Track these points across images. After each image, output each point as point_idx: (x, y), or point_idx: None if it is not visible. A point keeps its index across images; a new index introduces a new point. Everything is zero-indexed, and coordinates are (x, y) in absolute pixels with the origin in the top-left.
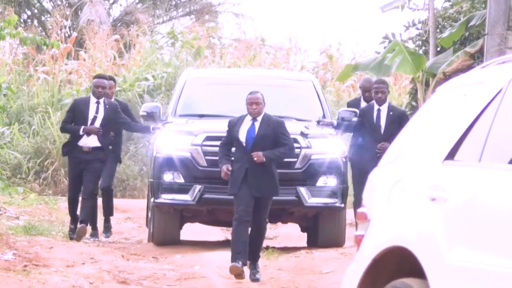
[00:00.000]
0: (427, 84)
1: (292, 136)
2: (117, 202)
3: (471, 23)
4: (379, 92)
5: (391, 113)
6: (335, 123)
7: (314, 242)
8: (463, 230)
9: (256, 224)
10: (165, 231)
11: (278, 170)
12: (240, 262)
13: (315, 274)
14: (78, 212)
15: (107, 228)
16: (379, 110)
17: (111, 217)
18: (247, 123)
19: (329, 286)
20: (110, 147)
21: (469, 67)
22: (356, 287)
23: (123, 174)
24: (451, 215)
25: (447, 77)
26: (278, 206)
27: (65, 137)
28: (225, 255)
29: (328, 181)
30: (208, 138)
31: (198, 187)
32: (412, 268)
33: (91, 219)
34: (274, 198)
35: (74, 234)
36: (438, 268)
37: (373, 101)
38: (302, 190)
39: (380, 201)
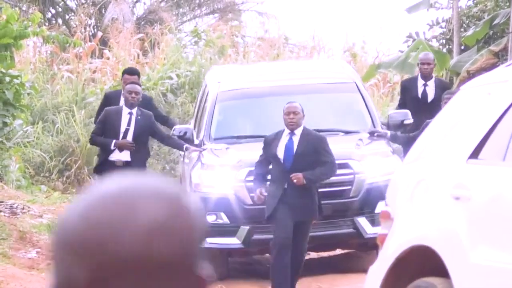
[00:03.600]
0: (451, 83)
1: (343, 161)
2: None
3: (495, 22)
4: None
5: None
6: (389, 134)
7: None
8: (487, 229)
9: (294, 252)
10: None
11: (331, 201)
12: None
13: (337, 272)
14: None
15: None
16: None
17: None
18: (284, 138)
19: (351, 284)
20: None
21: (493, 66)
22: (379, 286)
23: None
24: (475, 214)
25: (471, 75)
26: (336, 240)
27: (89, 135)
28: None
29: None
30: (252, 173)
31: (245, 228)
32: (436, 267)
33: None
34: (330, 232)
35: None
36: (462, 267)
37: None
38: (361, 221)
39: (403, 200)
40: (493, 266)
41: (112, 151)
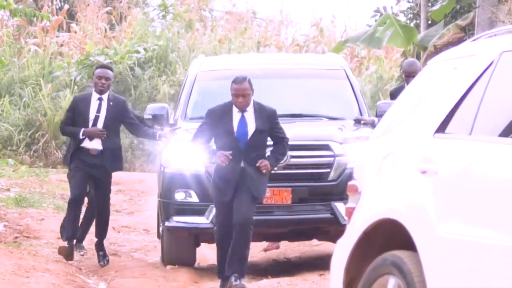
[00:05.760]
0: (418, 57)
1: (323, 143)
2: None
3: None
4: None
5: None
6: (376, 121)
7: None
8: (453, 203)
9: (240, 226)
10: (178, 256)
11: (308, 184)
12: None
13: (305, 246)
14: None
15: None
16: None
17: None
18: (236, 115)
19: (319, 257)
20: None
21: (460, 40)
22: (347, 259)
23: None
24: (442, 188)
25: (438, 50)
26: (311, 225)
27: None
28: None
29: None
30: None
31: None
32: (403, 240)
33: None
34: (306, 216)
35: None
36: (429, 241)
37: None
38: (339, 206)
39: (371, 173)
40: (459, 239)
41: (82, 140)
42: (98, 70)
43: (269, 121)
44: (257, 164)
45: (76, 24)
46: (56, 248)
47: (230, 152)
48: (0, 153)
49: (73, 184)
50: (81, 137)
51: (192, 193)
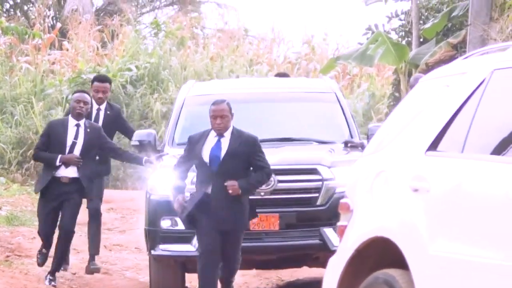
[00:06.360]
0: (409, 75)
1: (311, 166)
2: None
3: (454, 14)
4: None
5: None
6: (366, 143)
7: None
8: (445, 221)
9: (226, 266)
10: (165, 286)
11: (296, 209)
12: None
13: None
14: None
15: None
16: None
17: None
18: (211, 140)
19: (312, 277)
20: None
21: (451, 58)
22: (339, 277)
23: None
24: (434, 206)
25: (429, 68)
26: (300, 252)
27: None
28: None
29: None
30: None
31: None
32: (395, 259)
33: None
34: (295, 243)
35: (43, 259)
36: (421, 259)
37: None
38: (327, 232)
39: (363, 191)
40: (451, 257)
41: (57, 167)
42: (76, 94)
43: (245, 147)
44: (225, 183)
45: (68, 42)
46: (48, 267)
47: (186, 203)
48: None
49: (42, 219)
50: (57, 163)
51: (178, 220)
